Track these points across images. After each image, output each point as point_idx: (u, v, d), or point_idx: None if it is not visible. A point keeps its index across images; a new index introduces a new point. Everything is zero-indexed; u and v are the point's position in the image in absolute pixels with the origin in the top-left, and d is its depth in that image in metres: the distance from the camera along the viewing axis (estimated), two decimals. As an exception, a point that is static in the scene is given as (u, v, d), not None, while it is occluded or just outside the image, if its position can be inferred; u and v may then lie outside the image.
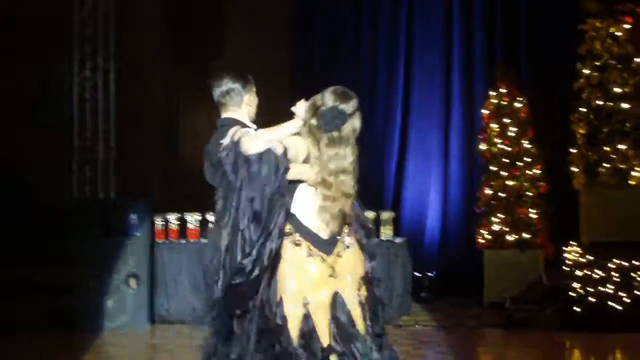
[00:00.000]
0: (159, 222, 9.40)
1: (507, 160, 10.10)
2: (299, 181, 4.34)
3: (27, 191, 12.12)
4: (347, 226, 4.35)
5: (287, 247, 4.26)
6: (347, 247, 4.32)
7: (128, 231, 9.11)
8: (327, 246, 4.27)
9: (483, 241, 9.99)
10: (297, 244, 4.26)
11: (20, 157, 12.04)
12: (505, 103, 10.31)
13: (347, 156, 4.38)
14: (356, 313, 4.27)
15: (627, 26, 9.95)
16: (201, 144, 10.02)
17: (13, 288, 11.93)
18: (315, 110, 4.37)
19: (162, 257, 9.24)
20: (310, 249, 4.25)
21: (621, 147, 9.65)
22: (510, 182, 10.02)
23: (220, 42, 12.04)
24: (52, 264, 11.34)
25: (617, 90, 9.81)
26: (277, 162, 4.23)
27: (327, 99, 4.40)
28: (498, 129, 10.24)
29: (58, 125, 10.88)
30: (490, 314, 9.32)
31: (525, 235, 9.82)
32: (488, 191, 10.09)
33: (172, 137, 11.57)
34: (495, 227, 9.92)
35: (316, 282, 4.23)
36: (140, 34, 11.51)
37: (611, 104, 9.81)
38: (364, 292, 4.32)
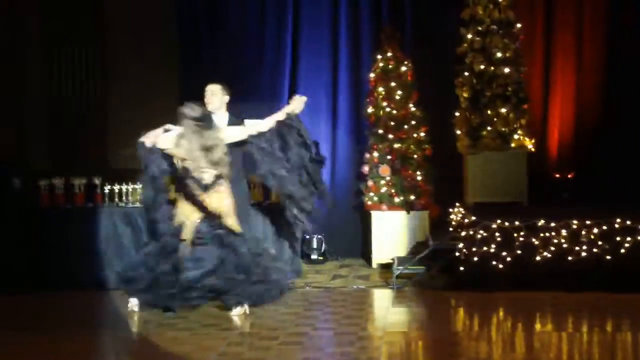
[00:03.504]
0: (43, 187, 9.17)
1: (394, 124, 10.25)
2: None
3: None
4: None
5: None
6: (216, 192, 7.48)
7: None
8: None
9: (371, 203, 10.15)
10: None
11: None
12: (392, 66, 10.43)
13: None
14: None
15: (508, -8, 10.19)
16: (79, 111, 9.89)
17: None
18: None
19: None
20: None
21: (503, 110, 9.93)
22: (396, 145, 10.19)
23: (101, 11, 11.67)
24: None
25: (499, 55, 10.06)
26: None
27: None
28: (384, 92, 10.37)
29: None
30: (378, 275, 9.55)
31: (411, 197, 10.02)
32: (375, 154, 10.23)
33: (51, 103, 11.24)
34: (383, 189, 10.09)
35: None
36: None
37: (493, 68, 10.06)
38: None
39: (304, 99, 7.92)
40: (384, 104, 10.32)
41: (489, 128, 9.92)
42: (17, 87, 10.54)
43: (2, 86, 9.86)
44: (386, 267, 9.62)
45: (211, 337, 6.84)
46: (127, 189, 9.20)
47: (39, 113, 11.07)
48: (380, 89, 10.37)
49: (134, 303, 7.65)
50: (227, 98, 8.21)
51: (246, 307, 7.55)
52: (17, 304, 8.38)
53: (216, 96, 8.10)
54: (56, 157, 10.62)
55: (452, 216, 9.64)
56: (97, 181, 9.22)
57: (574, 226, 8.59)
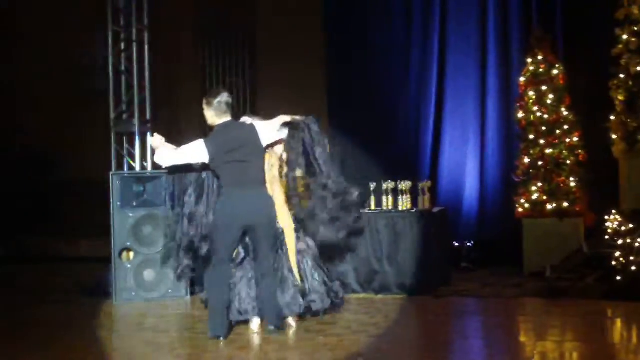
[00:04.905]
0: (195, 194, 9.41)
1: (545, 128, 10.00)
2: None
3: (64, 164, 12.26)
4: None
5: None
6: None
7: (165, 204, 9.14)
8: None
9: (522, 210, 9.92)
10: None
11: (56, 130, 12.18)
12: (543, 70, 10.18)
13: None
14: None
15: (665, -10, 9.76)
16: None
17: (51, 260, 12.12)
18: None
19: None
20: None
21: (661, 114, 9.53)
22: (548, 151, 9.93)
23: (251, 11, 12.09)
24: (90, 237, 11.50)
25: (657, 56, 9.66)
26: None
27: None
28: (535, 97, 10.12)
29: (94, 98, 10.95)
30: (530, 283, 9.28)
31: (564, 204, 9.74)
32: (526, 160, 10.00)
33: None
34: (534, 196, 9.85)
35: None
36: (172, 5, 11.54)
37: (650, 70, 9.65)
38: None
39: None
40: (535, 108, 10.07)
41: (646, 132, 9.53)
42: (172, 98, 10.96)
43: (160, 99, 10.25)
44: (538, 276, 9.35)
45: (360, 344, 6.83)
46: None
47: (193, 122, 11.44)
48: (531, 93, 10.14)
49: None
50: (210, 113, 7.06)
51: None
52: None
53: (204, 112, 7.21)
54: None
55: (608, 223, 9.29)
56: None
57: None
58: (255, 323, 7.26)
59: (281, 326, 7.12)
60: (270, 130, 7.12)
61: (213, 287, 7.11)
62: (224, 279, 7.05)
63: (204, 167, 7.12)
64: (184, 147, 7.03)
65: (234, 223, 6.92)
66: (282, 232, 7.38)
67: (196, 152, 6.94)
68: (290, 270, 7.39)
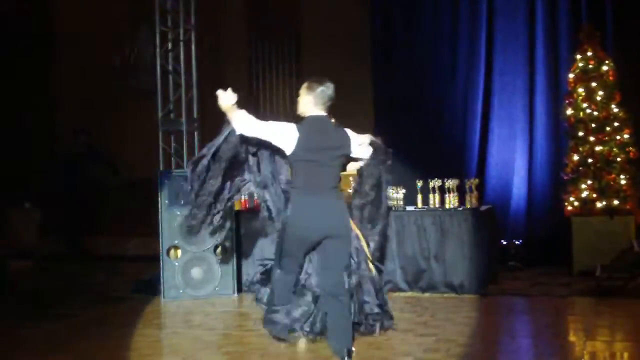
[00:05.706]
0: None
1: (595, 125, 9.86)
2: None
3: (112, 162, 12.40)
4: None
5: None
6: None
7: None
8: None
9: (571, 208, 9.80)
10: None
11: (105, 128, 12.32)
12: (592, 66, 10.04)
13: None
14: None
15: None
16: (277, 112, 10.30)
17: (97, 257, 12.26)
18: None
19: (247, 227, 9.31)
20: None
21: None
22: (598, 148, 9.79)
23: (297, 9, 12.16)
24: (138, 235, 11.62)
25: None
26: None
27: None
28: (584, 93, 9.99)
29: (141, 96, 11.06)
30: (579, 283, 9.16)
31: (614, 202, 9.60)
32: (575, 157, 9.87)
33: (251, 107, 11.69)
34: (584, 194, 9.72)
35: None
36: (219, 4, 11.63)
37: (702, 65, 9.49)
38: None
39: None
40: (584, 105, 9.94)
41: (698, 128, 9.36)
42: (219, 83, 11.04)
43: (206, 95, 10.32)
44: (588, 275, 9.22)
45: (407, 343, 6.81)
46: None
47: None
48: (580, 90, 10.00)
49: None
50: (308, 98, 6.09)
51: None
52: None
53: (300, 97, 6.22)
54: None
55: (659, 221, 9.15)
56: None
57: None
58: (302, 343, 6.70)
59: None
60: (360, 142, 6.22)
61: (278, 293, 6.33)
62: (289, 286, 6.29)
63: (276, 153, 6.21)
64: (273, 123, 6.07)
65: (310, 235, 6.04)
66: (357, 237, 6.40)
67: (285, 133, 5.96)
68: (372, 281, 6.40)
